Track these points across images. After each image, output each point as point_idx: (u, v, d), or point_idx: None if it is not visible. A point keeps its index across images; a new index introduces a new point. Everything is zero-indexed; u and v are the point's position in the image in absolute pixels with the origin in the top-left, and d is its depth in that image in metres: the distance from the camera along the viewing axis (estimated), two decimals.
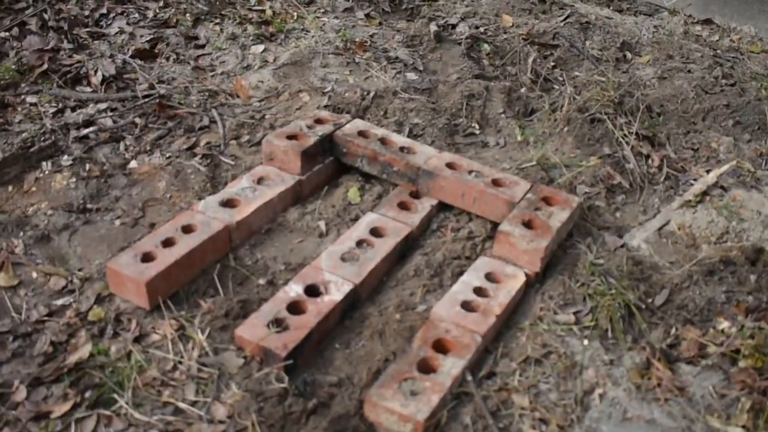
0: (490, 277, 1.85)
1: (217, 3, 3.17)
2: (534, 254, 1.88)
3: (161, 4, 3.10)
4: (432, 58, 2.94)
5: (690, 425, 1.58)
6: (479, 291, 1.80)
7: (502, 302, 1.76)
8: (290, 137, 2.18)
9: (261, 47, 2.95)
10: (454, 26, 3.17)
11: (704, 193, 2.31)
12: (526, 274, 1.87)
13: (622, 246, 2.09)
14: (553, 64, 3.05)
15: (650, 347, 1.74)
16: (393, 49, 2.94)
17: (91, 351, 1.62)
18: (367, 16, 3.27)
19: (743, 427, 1.58)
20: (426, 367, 1.59)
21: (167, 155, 2.27)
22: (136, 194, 2.14)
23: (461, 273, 1.90)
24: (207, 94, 2.62)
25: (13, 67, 2.58)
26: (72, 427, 1.47)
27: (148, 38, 2.91)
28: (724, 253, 2.05)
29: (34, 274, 1.83)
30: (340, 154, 2.25)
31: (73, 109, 2.47)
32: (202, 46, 2.96)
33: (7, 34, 2.76)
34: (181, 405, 1.51)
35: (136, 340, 1.66)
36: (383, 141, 2.24)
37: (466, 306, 1.75)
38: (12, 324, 1.69)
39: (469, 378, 1.60)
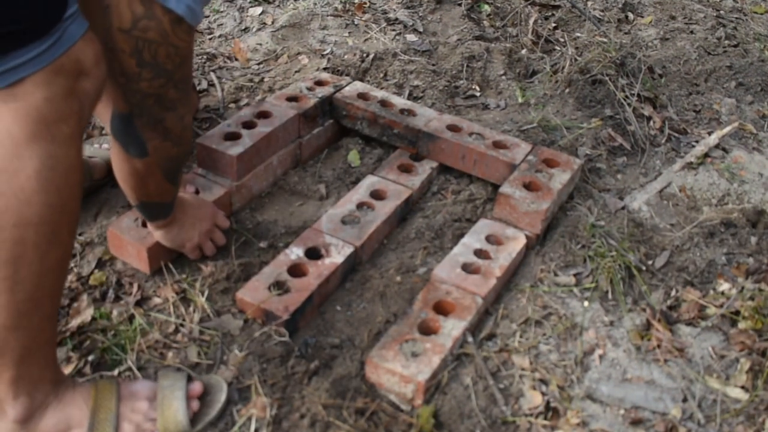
0: (490, 239, 1.85)
1: None
2: (534, 216, 1.88)
3: None
4: (432, 20, 2.91)
5: (689, 385, 1.59)
6: (480, 253, 1.80)
7: (502, 264, 1.76)
8: (290, 99, 2.17)
9: (259, 9, 2.92)
10: None
11: (706, 155, 2.30)
12: (527, 236, 1.87)
13: (622, 208, 2.08)
14: (554, 25, 3.02)
15: (650, 309, 1.74)
16: (392, 11, 2.91)
17: (93, 315, 1.63)
18: None
19: (742, 387, 1.59)
20: (427, 329, 1.60)
21: None
22: None
23: (462, 235, 1.90)
24: (205, 57, 2.60)
25: None
26: None
27: None
28: (725, 215, 2.05)
29: None
30: (340, 116, 2.24)
31: None
32: None
33: None
34: (183, 368, 1.52)
35: (138, 303, 1.67)
36: (383, 103, 2.23)
37: (467, 268, 1.75)
38: None
39: (470, 339, 1.61)
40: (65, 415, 1.31)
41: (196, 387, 1.43)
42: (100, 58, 1.15)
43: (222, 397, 1.44)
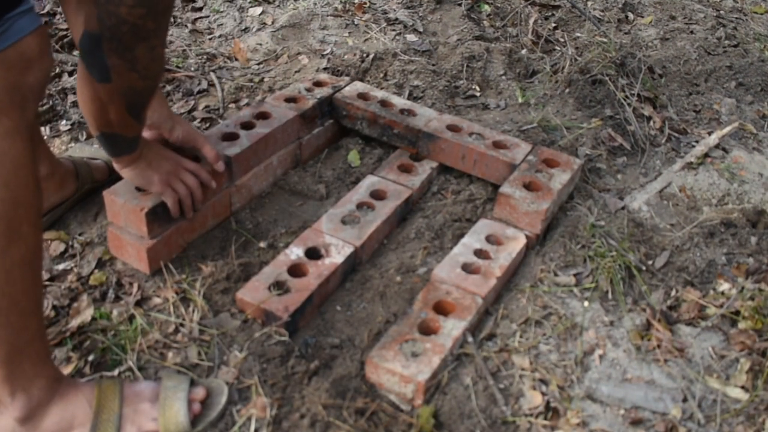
0: (490, 239, 1.85)
1: None
2: (535, 216, 1.87)
3: None
4: (432, 20, 2.91)
5: (689, 386, 1.59)
6: (480, 253, 1.80)
7: (502, 264, 1.76)
8: (289, 100, 2.17)
9: (259, 9, 2.92)
10: None
11: (706, 155, 2.30)
12: (527, 237, 1.87)
13: (622, 208, 2.08)
14: (554, 25, 3.02)
15: (650, 309, 1.74)
16: (392, 11, 2.91)
17: (93, 315, 1.63)
18: None
19: (742, 387, 1.59)
20: (427, 329, 1.60)
21: None
22: None
23: (462, 235, 1.90)
24: (205, 57, 2.60)
25: None
26: None
27: None
28: (725, 215, 2.05)
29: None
30: (340, 116, 2.24)
31: (71, 74, 2.45)
32: (200, 9, 2.93)
33: None
34: (184, 369, 1.52)
35: (138, 303, 1.67)
36: (383, 103, 2.23)
37: (467, 268, 1.75)
38: None
39: (470, 339, 1.61)
40: (68, 414, 1.32)
41: (200, 391, 1.43)
42: (45, 50, 1.15)
43: (222, 399, 1.44)
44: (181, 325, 1.61)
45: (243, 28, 2.81)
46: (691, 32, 3.06)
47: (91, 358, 1.53)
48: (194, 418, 1.40)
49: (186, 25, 2.78)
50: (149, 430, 1.36)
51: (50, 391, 1.31)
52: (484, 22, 2.95)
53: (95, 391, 1.36)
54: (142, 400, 1.39)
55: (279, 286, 1.66)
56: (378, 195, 1.98)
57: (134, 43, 1.27)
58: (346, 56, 2.59)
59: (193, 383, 1.45)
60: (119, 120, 1.44)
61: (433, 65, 2.62)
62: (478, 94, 2.56)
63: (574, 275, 1.82)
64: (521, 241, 1.85)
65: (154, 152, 1.68)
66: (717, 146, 2.34)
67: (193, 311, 1.63)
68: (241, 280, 1.73)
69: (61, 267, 1.76)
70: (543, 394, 1.54)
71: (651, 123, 2.46)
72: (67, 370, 1.50)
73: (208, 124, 2.26)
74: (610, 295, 1.78)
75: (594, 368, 1.61)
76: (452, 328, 1.59)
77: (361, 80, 2.51)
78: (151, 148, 1.68)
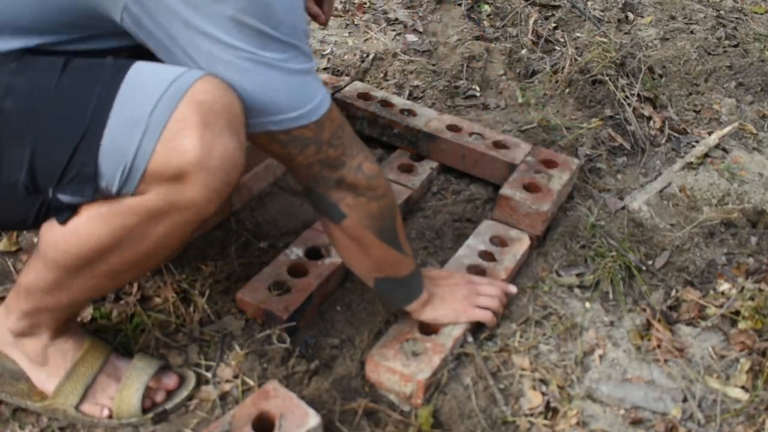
0: (494, 240, 1.85)
1: None
2: (535, 218, 1.87)
3: None
4: (432, 20, 2.91)
5: (689, 386, 1.59)
6: (485, 255, 1.80)
7: (507, 266, 1.76)
8: None
9: None
10: None
11: (706, 155, 2.30)
12: (529, 237, 1.87)
13: (623, 208, 2.08)
14: (554, 25, 3.02)
15: (650, 309, 1.74)
16: (392, 11, 2.91)
17: (93, 315, 1.62)
18: None
19: (742, 387, 1.59)
20: (427, 329, 1.60)
21: None
22: None
23: (462, 235, 1.90)
24: None
25: None
26: None
27: None
28: (725, 215, 2.05)
29: (35, 240, 1.83)
30: None
31: None
32: None
33: None
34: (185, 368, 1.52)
35: (138, 303, 1.67)
36: (383, 103, 2.23)
37: (472, 270, 1.75)
38: None
39: (470, 339, 1.61)
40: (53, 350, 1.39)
41: (171, 381, 1.45)
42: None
43: (184, 392, 1.44)
44: (182, 325, 1.61)
45: None
46: (691, 32, 3.06)
47: None
48: (153, 405, 1.41)
49: None
50: (104, 405, 1.39)
51: (52, 336, 1.38)
52: (484, 22, 2.95)
53: (85, 344, 1.41)
54: (114, 378, 1.42)
55: (279, 286, 1.66)
56: None
57: (334, 173, 1.32)
58: (346, 56, 2.59)
59: (167, 369, 1.46)
60: (382, 256, 1.44)
61: (433, 65, 2.62)
62: (478, 94, 2.56)
63: (575, 275, 1.82)
64: (526, 243, 1.84)
65: (440, 285, 1.62)
66: (717, 146, 2.35)
67: (194, 311, 1.63)
68: (241, 280, 1.73)
69: None
70: (543, 394, 1.54)
71: (651, 123, 2.46)
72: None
73: None
74: (610, 295, 1.79)
75: (594, 368, 1.62)
76: (453, 327, 1.59)
77: (361, 80, 2.51)
78: (434, 281, 1.62)
